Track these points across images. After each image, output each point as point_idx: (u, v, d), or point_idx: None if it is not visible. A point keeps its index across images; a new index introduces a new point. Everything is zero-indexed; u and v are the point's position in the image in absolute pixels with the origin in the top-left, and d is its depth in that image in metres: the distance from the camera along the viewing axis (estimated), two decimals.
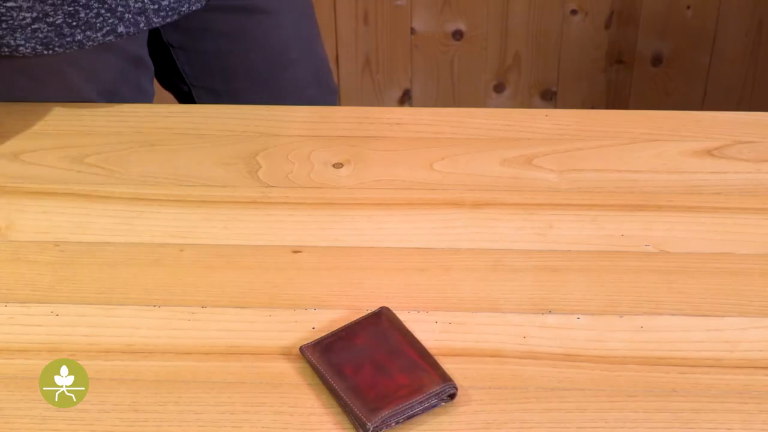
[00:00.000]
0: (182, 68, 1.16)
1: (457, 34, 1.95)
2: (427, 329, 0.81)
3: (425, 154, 0.97)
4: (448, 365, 0.78)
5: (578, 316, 0.82)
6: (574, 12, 1.93)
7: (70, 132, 1.00)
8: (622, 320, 0.82)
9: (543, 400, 0.76)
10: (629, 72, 2.01)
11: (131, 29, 0.99)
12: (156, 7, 0.99)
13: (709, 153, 0.97)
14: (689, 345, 0.80)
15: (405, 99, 2.03)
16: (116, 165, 0.96)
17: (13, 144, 0.99)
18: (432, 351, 0.79)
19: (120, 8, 0.97)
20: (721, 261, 0.87)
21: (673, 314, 0.82)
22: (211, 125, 1.01)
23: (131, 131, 1.00)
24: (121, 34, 0.99)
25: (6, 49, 0.98)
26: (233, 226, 0.91)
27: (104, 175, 0.95)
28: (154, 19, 1.00)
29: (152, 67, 1.13)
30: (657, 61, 2.00)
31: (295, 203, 0.93)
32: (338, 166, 0.96)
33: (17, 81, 1.04)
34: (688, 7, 1.93)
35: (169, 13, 0.97)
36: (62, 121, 1.01)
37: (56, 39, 0.98)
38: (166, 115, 1.02)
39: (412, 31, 1.95)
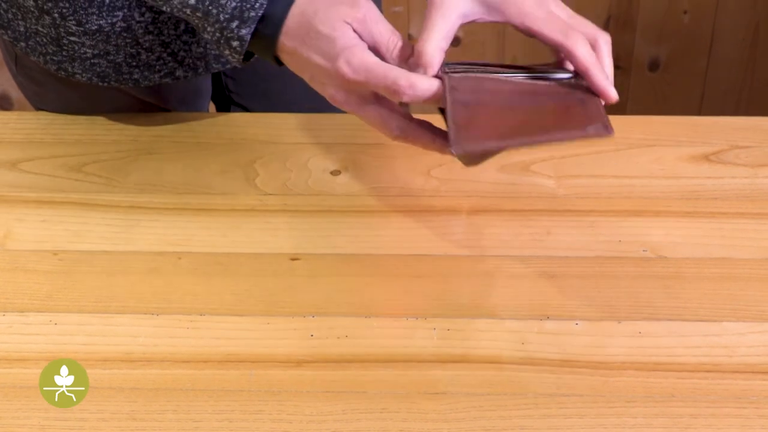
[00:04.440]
0: (228, 87, 1.17)
1: (455, 41, 1.95)
2: (425, 336, 0.81)
3: (423, 161, 0.97)
4: (447, 372, 0.78)
5: (576, 321, 0.82)
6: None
7: (68, 141, 1.00)
8: (620, 326, 0.82)
9: (542, 406, 0.76)
10: (626, 77, 2.01)
11: (189, 73, 0.99)
12: (217, 53, 0.99)
13: (707, 158, 0.97)
14: (687, 350, 0.80)
15: (402, 106, 2.03)
16: (114, 174, 0.97)
17: (11, 153, 0.99)
18: (430, 358, 0.79)
19: (182, 53, 0.98)
20: (718, 266, 0.87)
21: (671, 319, 0.82)
22: (208, 133, 1.01)
23: (129, 140, 1.00)
24: (178, 77, 1.00)
25: (63, 73, 0.99)
26: (231, 234, 0.91)
27: (102, 184, 0.96)
28: (214, 65, 1.00)
29: (210, 91, 1.14)
30: (654, 66, 2.00)
31: (293, 211, 0.93)
32: (336, 173, 0.97)
33: (70, 97, 1.04)
34: (685, 12, 1.94)
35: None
36: (60, 130, 1.01)
37: (113, 75, 0.99)
38: (164, 123, 1.02)
39: (410, 37, 1.95)
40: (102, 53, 0.97)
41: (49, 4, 0.93)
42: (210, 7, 0.80)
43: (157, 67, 0.98)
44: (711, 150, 0.98)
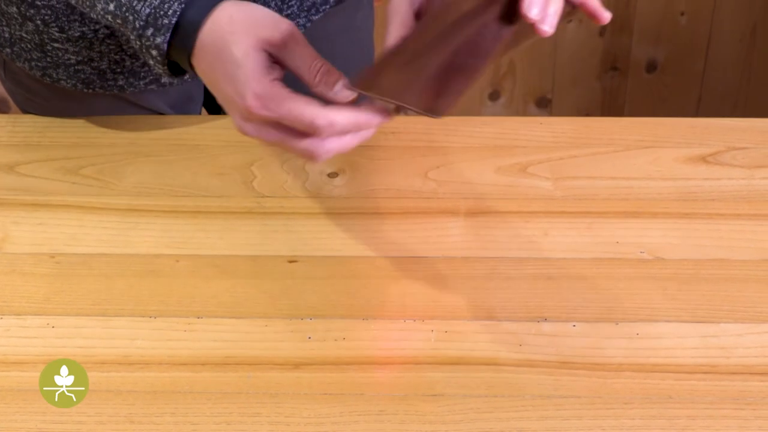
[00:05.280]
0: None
1: None
2: (423, 338, 0.81)
3: (420, 163, 0.97)
4: (444, 374, 0.78)
5: (574, 323, 0.82)
6: (568, 20, 1.93)
7: (65, 144, 1.00)
8: (617, 327, 0.82)
9: (539, 408, 0.76)
10: (624, 79, 2.02)
11: (175, 80, 0.98)
12: None
13: (704, 159, 0.97)
14: (685, 351, 0.80)
15: (399, 108, 2.03)
16: (111, 176, 0.96)
17: (8, 156, 0.99)
18: (427, 360, 0.79)
19: None
20: (716, 267, 0.87)
21: (668, 321, 0.82)
22: (205, 136, 1.01)
23: (126, 142, 1.00)
24: (164, 84, 0.99)
25: (48, 79, 0.99)
26: (229, 236, 0.91)
27: (99, 187, 0.95)
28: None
29: (201, 97, 1.13)
30: (651, 67, 2.00)
31: (291, 213, 0.93)
32: (333, 175, 0.97)
33: (58, 103, 1.04)
34: (682, 14, 1.94)
35: None
36: (57, 133, 1.01)
37: (98, 81, 0.98)
38: (161, 126, 1.02)
39: None
40: (86, 60, 0.97)
41: (32, 11, 0.93)
42: (127, 14, 0.78)
43: (142, 73, 0.98)
44: (708, 151, 0.98)
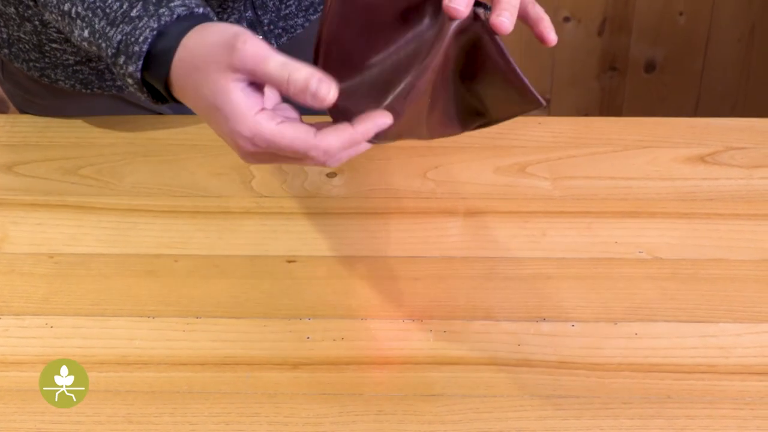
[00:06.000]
0: None
1: None
2: (422, 338, 0.81)
3: (418, 163, 0.97)
4: (443, 374, 0.78)
5: (573, 323, 0.82)
6: (566, 19, 1.93)
7: (63, 144, 1.00)
8: (616, 327, 0.82)
9: (538, 408, 0.76)
10: (622, 79, 2.02)
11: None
12: None
13: (702, 159, 0.97)
14: (684, 351, 0.80)
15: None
16: (110, 176, 0.96)
17: (6, 156, 0.99)
18: (426, 360, 0.79)
19: None
20: (714, 267, 0.87)
21: (667, 321, 0.82)
22: (204, 136, 1.01)
23: (125, 142, 1.00)
24: None
25: (46, 80, 0.99)
26: (227, 236, 0.91)
27: (98, 187, 0.95)
28: None
29: None
30: (650, 67, 2.00)
31: (289, 213, 0.93)
32: (332, 175, 0.97)
33: (56, 104, 1.04)
34: (681, 14, 1.94)
35: None
36: (56, 133, 1.01)
37: (96, 81, 0.98)
38: (160, 126, 1.02)
39: None
40: (84, 60, 0.97)
41: (30, 12, 0.93)
42: (100, 41, 0.75)
43: None
44: (707, 151, 0.98)
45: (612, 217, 0.92)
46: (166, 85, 0.72)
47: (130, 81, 0.74)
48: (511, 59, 0.70)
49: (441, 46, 0.70)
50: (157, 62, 0.72)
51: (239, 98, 0.68)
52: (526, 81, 0.70)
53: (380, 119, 0.69)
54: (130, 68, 0.73)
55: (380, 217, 0.92)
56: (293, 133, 0.68)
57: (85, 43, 0.77)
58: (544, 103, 0.71)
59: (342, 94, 0.68)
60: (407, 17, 0.73)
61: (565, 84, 2.01)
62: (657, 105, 2.04)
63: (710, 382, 0.78)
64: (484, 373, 0.78)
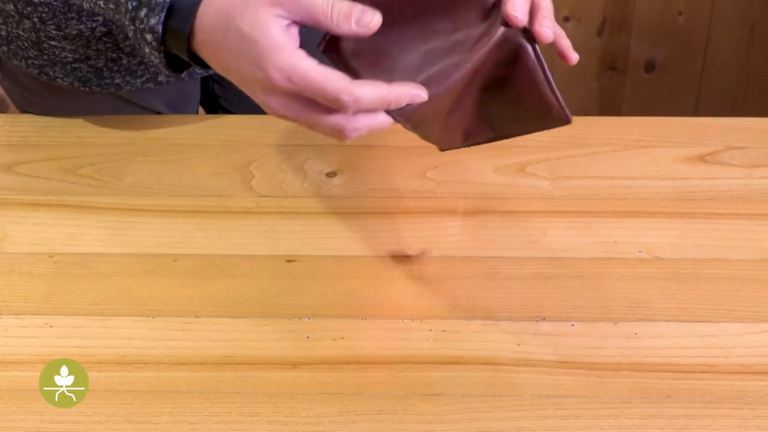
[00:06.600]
0: (215, 92, 1.16)
1: None
2: (422, 337, 0.81)
3: (418, 163, 0.97)
4: (443, 373, 0.78)
5: (572, 323, 0.82)
6: (566, 19, 1.94)
7: (63, 143, 1.00)
8: (616, 327, 0.82)
9: (538, 408, 0.76)
10: (622, 78, 2.02)
11: (171, 78, 0.97)
12: None
13: (702, 159, 0.97)
14: (684, 351, 0.80)
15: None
16: (110, 176, 0.96)
17: (6, 155, 0.99)
18: (426, 359, 0.79)
19: None
20: (714, 267, 0.87)
21: (667, 320, 0.82)
22: (204, 135, 1.01)
23: (124, 142, 1.00)
24: (161, 82, 0.99)
25: (45, 77, 0.99)
26: (227, 236, 0.91)
27: (98, 187, 0.95)
28: (197, 69, 0.98)
29: (198, 95, 1.13)
30: (650, 67, 2.00)
31: (289, 212, 0.93)
32: (332, 175, 0.97)
33: (55, 102, 1.04)
34: (681, 13, 1.94)
35: None
36: (55, 133, 1.01)
37: (95, 79, 0.98)
38: (160, 125, 1.02)
39: None
40: (83, 58, 0.97)
41: (29, 9, 0.93)
42: None
43: (139, 72, 0.98)
44: (706, 151, 0.98)
45: (612, 217, 0.92)
46: (188, 38, 0.71)
47: (149, 37, 0.72)
48: (549, 72, 0.71)
49: (487, 46, 0.71)
50: (179, 14, 0.71)
51: (279, 32, 0.67)
52: (560, 96, 0.71)
53: (416, 90, 0.69)
54: (152, 21, 0.71)
55: (380, 217, 0.92)
56: (329, 73, 0.67)
57: (100, 3, 0.75)
58: (572, 119, 0.71)
59: (375, 60, 0.69)
60: (455, 10, 0.73)
61: (565, 84, 2.01)
62: (657, 105, 2.04)
63: (710, 381, 0.78)
64: (484, 373, 0.78)
